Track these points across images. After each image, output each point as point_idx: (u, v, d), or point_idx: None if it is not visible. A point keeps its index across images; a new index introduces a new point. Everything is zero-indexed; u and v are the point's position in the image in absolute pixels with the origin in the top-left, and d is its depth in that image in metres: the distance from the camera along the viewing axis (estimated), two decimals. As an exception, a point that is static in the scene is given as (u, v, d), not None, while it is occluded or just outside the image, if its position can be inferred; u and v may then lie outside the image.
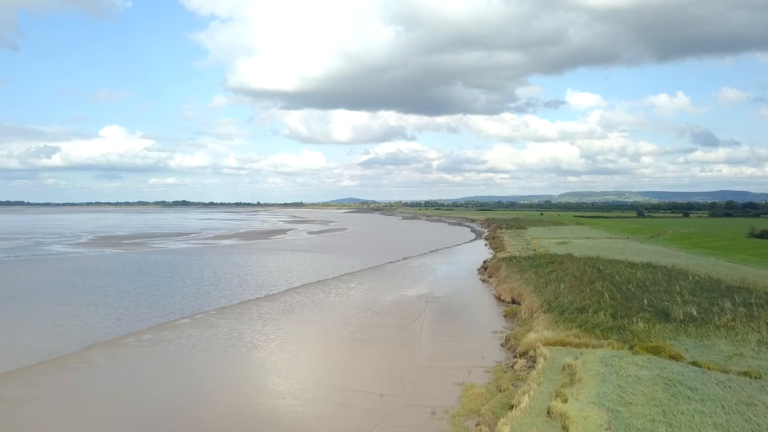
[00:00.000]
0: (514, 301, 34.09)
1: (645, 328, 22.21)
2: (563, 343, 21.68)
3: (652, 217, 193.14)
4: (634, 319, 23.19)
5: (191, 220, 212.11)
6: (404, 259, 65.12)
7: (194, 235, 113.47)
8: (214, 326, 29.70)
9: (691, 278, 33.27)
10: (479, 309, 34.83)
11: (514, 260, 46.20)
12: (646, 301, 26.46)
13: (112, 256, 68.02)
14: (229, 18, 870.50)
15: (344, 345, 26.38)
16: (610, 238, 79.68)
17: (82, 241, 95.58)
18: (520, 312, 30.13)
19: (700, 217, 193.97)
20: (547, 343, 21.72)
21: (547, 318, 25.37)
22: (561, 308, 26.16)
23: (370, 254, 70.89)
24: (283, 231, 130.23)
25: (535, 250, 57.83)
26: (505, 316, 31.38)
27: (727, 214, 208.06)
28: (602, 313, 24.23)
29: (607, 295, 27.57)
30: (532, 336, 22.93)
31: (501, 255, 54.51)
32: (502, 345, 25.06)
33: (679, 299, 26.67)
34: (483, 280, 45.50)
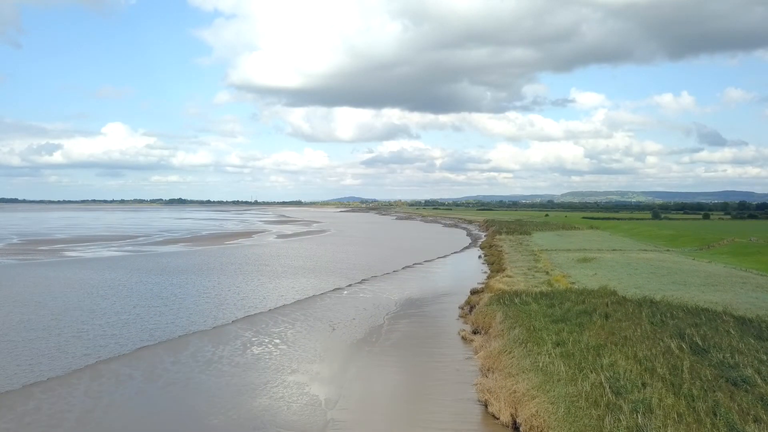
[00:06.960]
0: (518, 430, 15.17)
1: None
2: None
3: (669, 219, 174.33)
4: None
5: (165, 219, 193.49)
6: (360, 282, 46.18)
7: (142, 238, 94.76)
8: None
9: None
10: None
11: (517, 304, 26.63)
12: None
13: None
14: (232, 14, 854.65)
15: None
16: (645, 250, 60.08)
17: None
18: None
19: (722, 219, 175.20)
20: None
21: None
22: None
23: (323, 273, 52.03)
24: (250, 234, 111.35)
25: (548, 274, 38.55)
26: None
27: (745, 216, 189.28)
28: None
29: None
30: None
31: (497, 284, 35.14)
32: None
33: None
34: (464, 338, 26.44)
